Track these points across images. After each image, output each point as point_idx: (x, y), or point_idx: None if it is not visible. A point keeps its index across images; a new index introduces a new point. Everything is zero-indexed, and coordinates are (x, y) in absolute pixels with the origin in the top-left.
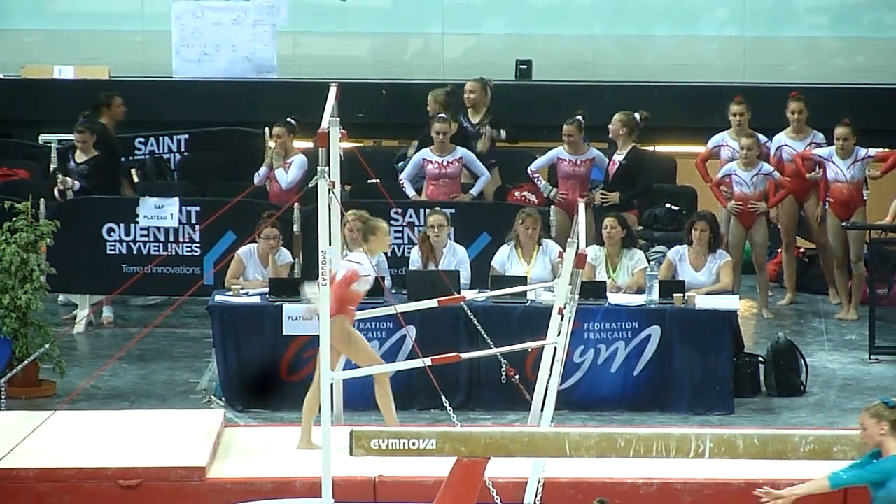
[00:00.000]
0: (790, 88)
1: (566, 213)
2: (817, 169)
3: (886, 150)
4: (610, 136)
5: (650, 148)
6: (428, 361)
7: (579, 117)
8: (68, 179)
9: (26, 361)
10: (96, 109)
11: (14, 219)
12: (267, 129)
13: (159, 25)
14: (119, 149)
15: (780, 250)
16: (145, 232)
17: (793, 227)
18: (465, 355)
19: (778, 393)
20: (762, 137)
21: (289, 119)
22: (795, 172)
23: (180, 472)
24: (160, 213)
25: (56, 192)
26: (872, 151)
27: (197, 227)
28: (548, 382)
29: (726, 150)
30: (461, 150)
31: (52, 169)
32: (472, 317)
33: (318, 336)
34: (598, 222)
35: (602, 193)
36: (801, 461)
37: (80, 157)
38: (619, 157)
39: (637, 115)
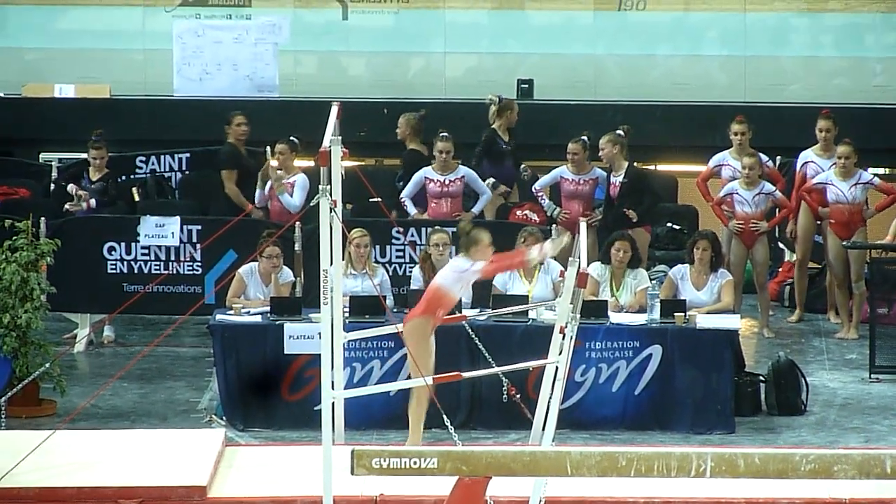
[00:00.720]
0: (790, 108)
1: (568, 232)
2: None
3: (889, 184)
4: (603, 160)
5: (651, 167)
6: (429, 380)
7: (584, 137)
8: (83, 193)
9: (27, 381)
10: (229, 126)
11: (14, 237)
12: (268, 148)
13: (160, 44)
14: (251, 164)
15: (780, 270)
16: (146, 251)
17: (808, 246)
18: (466, 374)
19: (779, 412)
20: (763, 157)
21: (291, 137)
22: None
23: (181, 491)
24: (161, 231)
25: (67, 206)
26: (877, 180)
27: (198, 245)
28: (549, 401)
29: (727, 170)
30: (463, 169)
31: (63, 184)
32: (473, 335)
33: (320, 355)
34: (600, 242)
35: (626, 210)
36: (801, 480)
37: (94, 174)
38: (617, 178)
39: (620, 131)
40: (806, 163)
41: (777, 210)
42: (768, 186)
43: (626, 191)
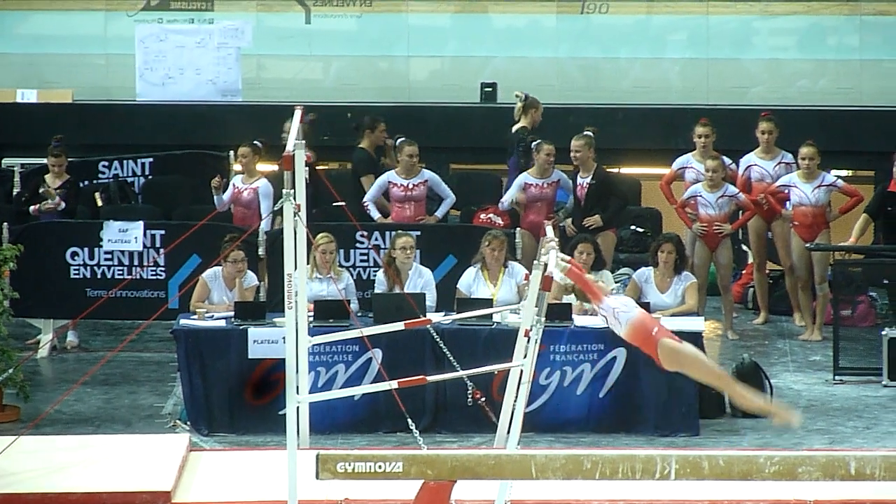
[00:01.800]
0: (753, 110)
1: (532, 235)
2: (788, 207)
3: (853, 186)
4: (575, 161)
5: (615, 170)
6: (394, 384)
7: (589, 132)
8: (54, 194)
9: None
10: (358, 131)
11: None
12: (232, 153)
13: (123, 49)
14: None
15: (744, 272)
16: (109, 256)
17: (763, 248)
18: (431, 378)
19: (743, 414)
20: (727, 160)
21: (255, 141)
22: (764, 191)
23: (145, 496)
24: (124, 236)
25: (33, 209)
26: (840, 182)
27: (161, 250)
28: (514, 405)
29: (691, 172)
30: (427, 173)
31: (24, 200)
32: (438, 339)
33: (284, 359)
34: (564, 244)
35: (590, 217)
36: (766, 482)
37: (52, 181)
38: (585, 179)
39: (590, 132)
40: (749, 166)
41: (741, 212)
42: (731, 189)
43: (594, 192)
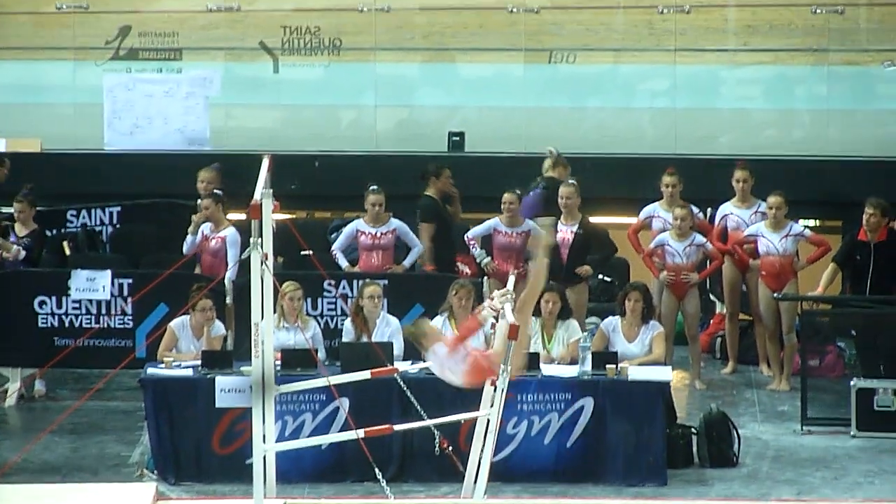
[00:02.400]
0: (721, 159)
1: (500, 284)
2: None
3: (820, 236)
4: (564, 208)
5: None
6: (361, 433)
7: (517, 191)
8: (14, 246)
9: None
10: (424, 179)
11: None
12: (200, 202)
13: (91, 98)
14: (449, 218)
15: (712, 322)
16: (77, 304)
17: (737, 298)
18: (397, 427)
19: (711, 464)
20: (695, 209)
21: (215, 190)
22: (737, 242)
23: None
24: (92, 285)
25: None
26: (808, 232)
27: (129, 299)
28: (481, 454)
29: (658, 221)
30: (395, 222)
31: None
32: (405, 388)
33: (251, 408)
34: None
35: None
36: None
37: (20, 230)
38: (571, 227)
39: (573, 181)
40: (725, 215)
41: (708, 262)
42: (699, 238)
43: (581, 241)
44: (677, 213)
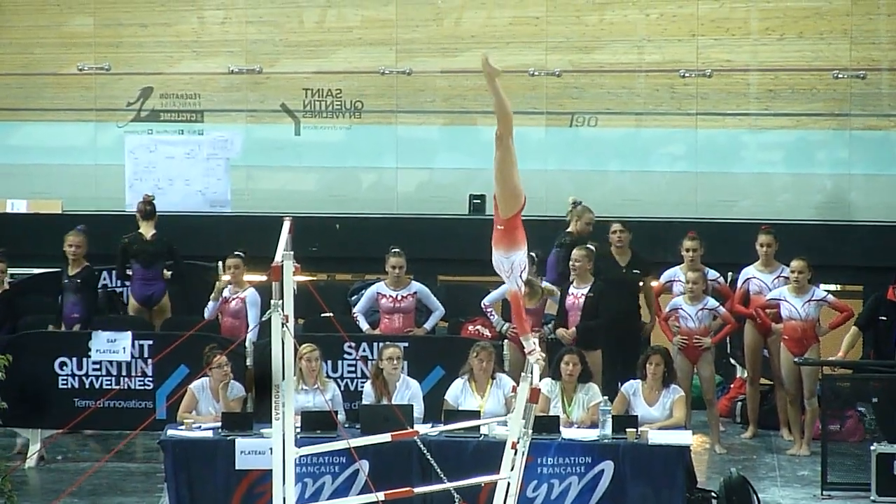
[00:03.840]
0: (742, 223)
1: (519, 347)
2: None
3: (842, 301)
4: (574, 272)
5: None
6: (381, 496)
7: (532, 254)
8: None
9: None
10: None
11: None
12: (220, 263)
13: (112, 159)
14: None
15: (732, 386)
16: (98, 366)
17: (758, 362)
18: (418, 489)
19: None
20: (714, 273)
21: (237, 252)
22: (759, 306)
23: None
24: (113, 346)
25: None
26: (830, 297)
27: (149, 360)
28: None
29: (678, 286)
30: (416, 285)
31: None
32: (425, 451)
33: (271, 470)
34: (551, 357)
35: (559, 329)
36: None
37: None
38: (581, 290)
39: (591, 246)
40: (748, 279)
41: (720, 325)
42: (711, 302)
43: (591, 305)
44: (689, 277)
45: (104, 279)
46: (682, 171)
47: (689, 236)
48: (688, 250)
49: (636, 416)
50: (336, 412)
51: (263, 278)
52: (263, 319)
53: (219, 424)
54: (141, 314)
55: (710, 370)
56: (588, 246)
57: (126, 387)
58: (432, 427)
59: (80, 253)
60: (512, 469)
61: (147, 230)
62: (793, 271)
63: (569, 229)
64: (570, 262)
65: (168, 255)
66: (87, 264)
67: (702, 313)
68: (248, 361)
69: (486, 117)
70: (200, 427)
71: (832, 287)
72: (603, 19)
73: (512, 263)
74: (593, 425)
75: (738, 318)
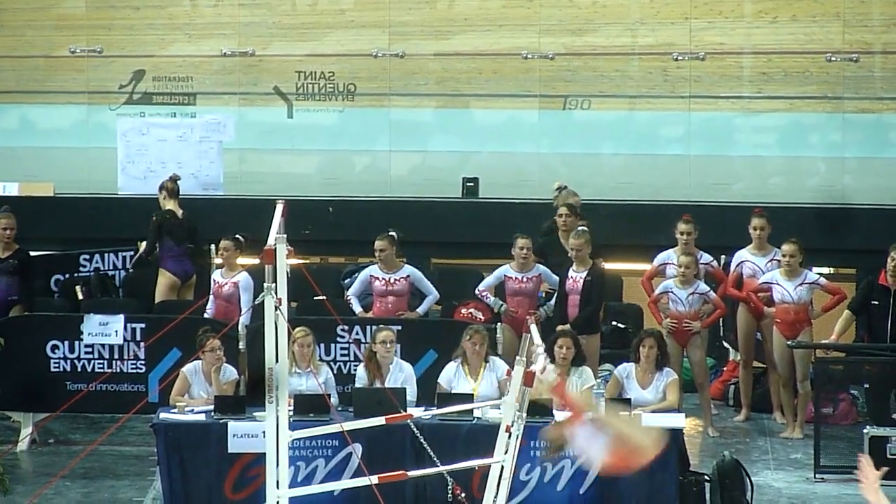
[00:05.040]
0: (735, 207)
1: (514, 330)
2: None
3: (835, 284)
4: (574, 258)
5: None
6: (374, 479)
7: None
8: None
9: None
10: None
11: None
12: (213, 246)
13: (105, 142)
14: None
15: (724, 369)
16: (90, 349)
17: (751, 345)
18: (411, 473)
19: None
20: (708, 257)
21: (237, 235)
22: (752, 290)
23: None
24: (105, 329)
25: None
26: (823, 281)
27: (142, 343)
28: (494, 501)
29: (672, 268)
30: (409, 268)
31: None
32: (418, 434)
33: (264, 454)
34: (545, 338)
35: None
36: None
37: None
38: (580, 274)
39: (584, 227)
40: (741, 262)
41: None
42: (702, 286)
43: (589, 288)
44: (681, 261)
45: (96, 262)
46: (676, 154)
47: (684, 219)
48: (682, 233)
49: (629, 398)
50: (329, 395)
51: (256, 261)
52: (256, 302)
53: (211, 408)
54: (174, 290)
55: (700, 354)
56: (583, 229)
57: (118, 370)
58: (426, 410)
59: (13, 235)
60: (506, 452)
61: (176, 208)
62: (784, 255)
63: (557, 214)
64: (571, 252)
65: (193, 235)
66: (18, 247)
67: (692, 297)
68: (241, 345)
69: (478, 100)
70: (193, 410)
71: (825, 270)
72: (596, 2)
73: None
74: None
75: (731, 302)
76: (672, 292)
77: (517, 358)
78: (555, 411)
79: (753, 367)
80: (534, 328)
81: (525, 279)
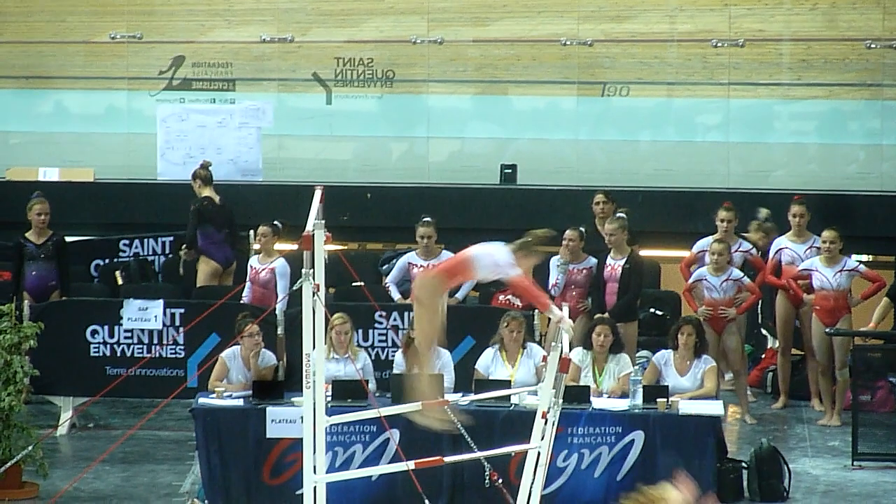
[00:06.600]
0: (774, 194)
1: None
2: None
3: (875, 272)
4: (610, 244)
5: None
6: (412, 465)
7: (581, 229)
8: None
9: (9, 463)
10: None
11: None
12: (251, 232)
13: (144, 128)
14: None
15: (763, 357)
16: (129, 334)
17: (790, 332)
18: (448, 458)
19: (761, 498)
20: (747, 244)
21: (275, 221)
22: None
23: None
24: (144, 315)
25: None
26: (862, 268)
27: (181, 329)
28: (531, 487)
29: (709, 256)
30: (447, 254)
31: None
32: (455, 420)
33: (302, 439)
34: (585, 328)
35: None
36: None
37: None
38: (619, 261)
39: (623, 214)
40: (780, 249)
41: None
42: (736, 273)
43: (627, 276)
44: (714, 248)
45: (136, 247)
46: (715, 141)
47: (725, 206)
48: (722, 220)
49: (667, 386)
50: (367, 381)
51: (294, 247)
52: (295, 288)
53: (249, 393)
54: (216, 277)
55: (736, 340)
56: (619, 215)
57: (157, 355)
58: (463, 396)
59: (47, 221)
60: (542, 439)
61: (213, 195)
62: (824, 242)
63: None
64: (606, 237)
65: (231, 222)
66: (52, 232)
67: (726, 284)
68: (280, 330)
69: (517, 87)
70: (231, 396)
71: (864, 258)
72: None
73: (490, 271)
74: (624, 395)
75: (769, 289)
76: (706, 279)
77: (553, 344)
78: None
79: (792, 354)
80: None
81: (575, 270)
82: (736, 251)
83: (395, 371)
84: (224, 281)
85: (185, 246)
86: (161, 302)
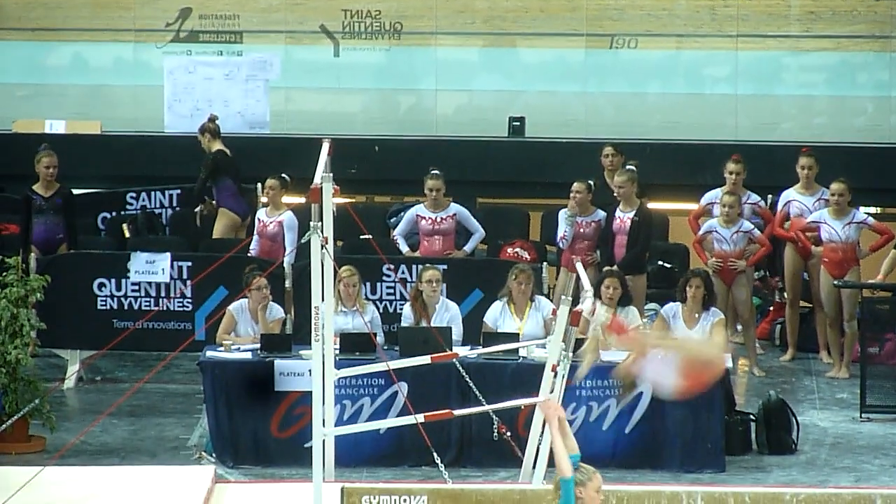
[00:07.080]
0: (782, 146)
1: (570, 272)
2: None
3: (883, 224)
4: (618, 196)
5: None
6: (420, 418)
7: (590, 182)
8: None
9: (16, 416)
10: None
11: (4, 273)
12: (259, 185)
13: (151, 80)
14: None
15: (771, 309)
16: (136, 287)
17: (798, 285)
18: (457, 412)
19: (769, 451)
20: (756, 197)
21: (282, 174)
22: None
23: None
24: (151, 268)
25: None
26: (871, 220)
27: (188, 282)
28: (539, 439)
29: (719, 208)
30: (455, 207)
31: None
32: (464, 373)
33: (310, 392)
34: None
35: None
36: None
37: None
38: (628, 214)
39: (632, 167)
40: (788, 201)
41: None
42: (746, 225)
43: (637, 228)
44: (725, 200)
45: (143, 200)
46: (723, 93)
47: (734, 159)
48: (731, 173)
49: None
50: (375, 334)
51: (302, 200)
52: (303, 241)
53: (258, 346)
54: (233, 229)
55: (745, 292)
56: (629, 168)
57: (165, 308)
58: (471, 350)
59: (55, 174)
60: (551, 391)
61: (224, 147)
62: (833, 194)
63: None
64: (615, 189)
65: (236, 174)
66: (60, 185)
67: (737, 236)
68: (287, 283)
69: (525, 39)
70: (239, 348)
71: (873, 210)
72: None
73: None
74: None
75: (778, 241)
76: (716, 231)
77: (563, 297)
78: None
79: (800, 306)
80: (581, 268)
81: (584, 223)
82: (745, 203)
83: (404, 324)
84: (240, 233)
85: (203, 200)
86: (168, 255)
